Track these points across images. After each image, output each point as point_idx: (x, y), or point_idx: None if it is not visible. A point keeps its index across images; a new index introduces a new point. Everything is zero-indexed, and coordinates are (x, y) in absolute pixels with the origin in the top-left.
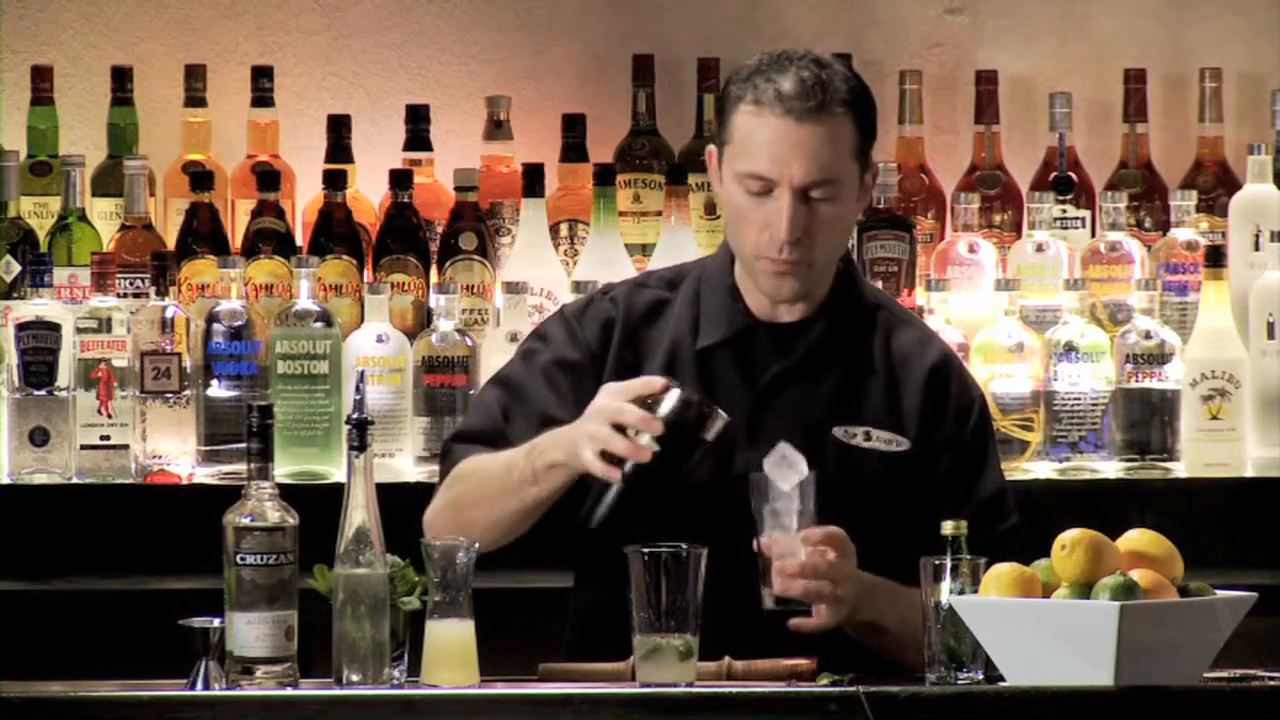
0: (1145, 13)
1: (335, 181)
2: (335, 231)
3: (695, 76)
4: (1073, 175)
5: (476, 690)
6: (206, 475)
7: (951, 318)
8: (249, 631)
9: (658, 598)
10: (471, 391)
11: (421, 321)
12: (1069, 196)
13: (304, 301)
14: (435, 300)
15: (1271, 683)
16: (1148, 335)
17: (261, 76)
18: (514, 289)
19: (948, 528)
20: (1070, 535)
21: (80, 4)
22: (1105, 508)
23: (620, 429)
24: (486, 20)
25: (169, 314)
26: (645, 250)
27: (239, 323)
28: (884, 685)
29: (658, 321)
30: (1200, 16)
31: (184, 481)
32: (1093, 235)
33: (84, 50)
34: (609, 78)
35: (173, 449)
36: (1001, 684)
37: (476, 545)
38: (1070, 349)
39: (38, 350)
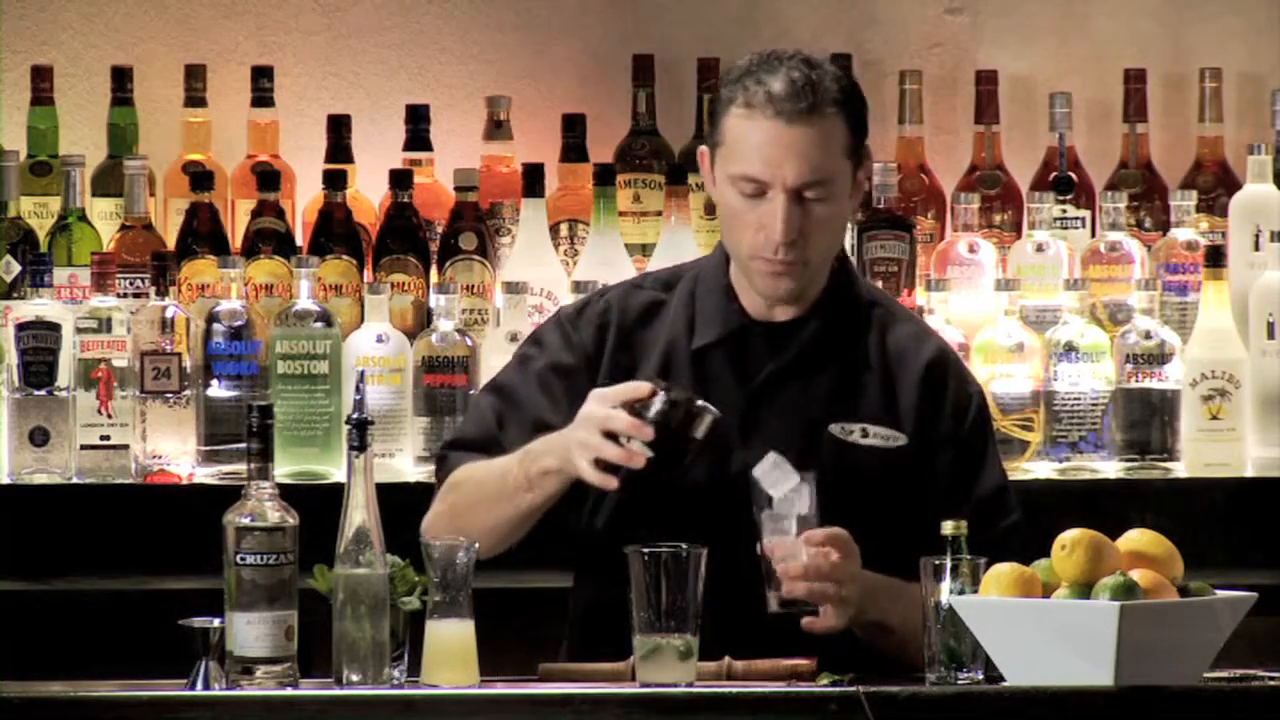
0: (1145, 13)
1: (335, 181)
2: (335, 231)
3: (695, 76)
4: (1073, 175)
5: (476, 690)
6: (206, 475)
7: (951, 318)
8: (249, 631)
9: (658, 598)
10: (471, 392)
11: (421, 321)
12: (1069, 196)
13: (304, 301)
14: (435, 300)
15: (1271, 683)
16: (1148, 335)
17: (261, 76)
18: (514, 289)
19: (948, 528)
20: (1070, 535)
21: (80, 4)
22: (1105, 508)
23: (612, 436)
24: (486, 20)
25: (169, 314)
26: (645, 250)
27: (239, 323)
28: (884, 685)
29: (653, 323)
30: (1200, 16)
31: (184, 481)
32: (1093, 235)
33: (84, 50)
34: (609, 78)
35: (173, 449)
36: (1001, 684)
37: (476, 545)
38: (1070, 349)
39: (38, 350)
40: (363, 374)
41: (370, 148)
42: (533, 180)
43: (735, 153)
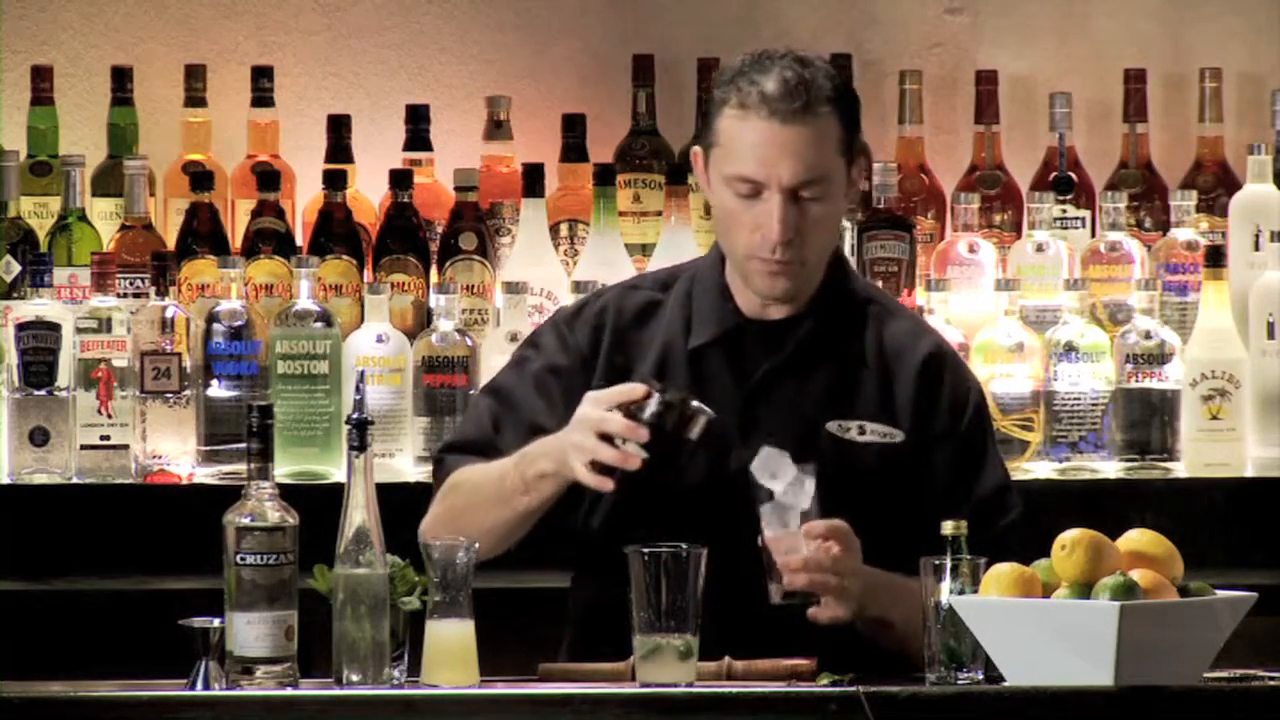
0: (1145, 13)
1: (335, 181)
2: (335, 231)
3: (695, 76)
4: (1073, 175)
5: (476, 690)
6: (206, 475)
7: (951, 318)
8: (249, 631)
9: (658, 598)
10: (471, 391)
11: (421, 321)
12: (1069, 196)
13: (304, 301)
14: (435, 300)
15: (1271, 683)
16: (1148, 335)
17: (261, 76)
18: (514, 289)
19: (948, 528)
20: (1070, 535)
21: (80, 4)
22: (1105, 508)
23: (607, 438)
24: (486, 20)
25: (169, 314)
26: (645, 250)
27: (239, 323)
28: (884, 685)
29: (649, 323)
30: (1200, 16)
31: (184, 481)
32: (1093, 235)
33: (84, 50)
34: (609, 78)
35: (173, 449)
36: (1001, 684)
37: (476, 545)
38: (1070, 349)
39: (38, 350)
40: (363, 374)
41: (370, 148)
42: (533, 180)
43: (730, 153)
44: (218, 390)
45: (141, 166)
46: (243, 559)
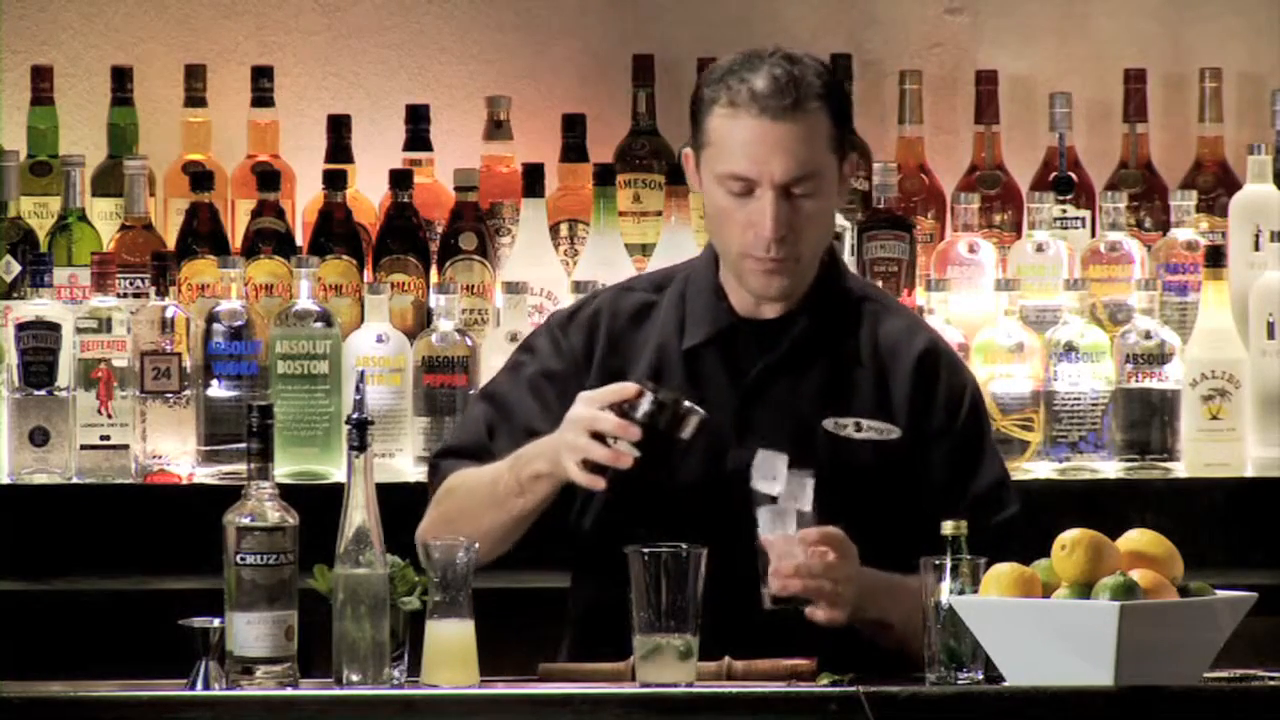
0: (1145, 13)
1: (335, 181)
2: (335, 231)
3: (695, 76)
4: (1073, 175)
5: (476, 690)
6: (206, 475)
7: (951, 318)
8: (249, 631)
9: (658, 598)
10: (471, 392)
11: (421, 321)
12: (1069, 196)
13: (304, 301)
14: (435, 300)
15: (1271, 683)
16: (1148, 335)
17: (261, 76)
18: (514, 289)
19: (948, 528)
20: (1070, 535)
21: (80, 4)
22: (1105, 508)
23: (599, 437)
24: (486, 20)
25: (169, 314)
26: (645, 250)
27: (239, 323)
28: (884, 685)
29: (644, 325)
30: (1200, 16)
31: (184, 481)
32: (1093, 235)
33: (84, 50)
34: (609, 78)
35: (173, 449)
36: (1001, 684)
37: (476, 545)
38: (1070, 349)
39: (38, 350)
40: (363, 374)
41: (370, 148)
42: (533, 180)
43: (721, 152)
44: (218, 390)
45: (141, 166)
46: (243, 559)
